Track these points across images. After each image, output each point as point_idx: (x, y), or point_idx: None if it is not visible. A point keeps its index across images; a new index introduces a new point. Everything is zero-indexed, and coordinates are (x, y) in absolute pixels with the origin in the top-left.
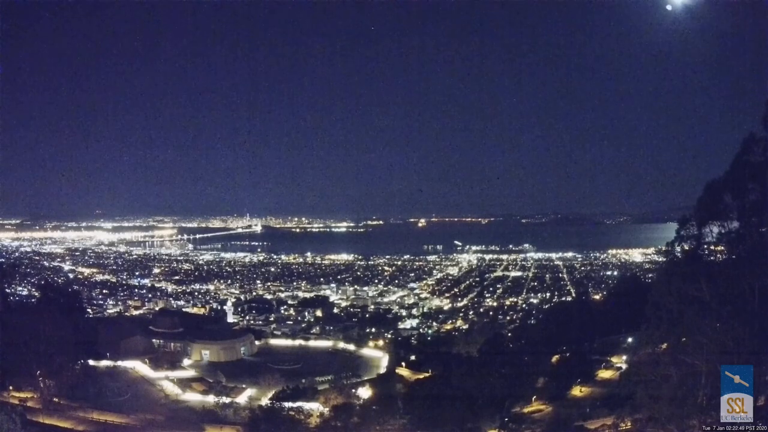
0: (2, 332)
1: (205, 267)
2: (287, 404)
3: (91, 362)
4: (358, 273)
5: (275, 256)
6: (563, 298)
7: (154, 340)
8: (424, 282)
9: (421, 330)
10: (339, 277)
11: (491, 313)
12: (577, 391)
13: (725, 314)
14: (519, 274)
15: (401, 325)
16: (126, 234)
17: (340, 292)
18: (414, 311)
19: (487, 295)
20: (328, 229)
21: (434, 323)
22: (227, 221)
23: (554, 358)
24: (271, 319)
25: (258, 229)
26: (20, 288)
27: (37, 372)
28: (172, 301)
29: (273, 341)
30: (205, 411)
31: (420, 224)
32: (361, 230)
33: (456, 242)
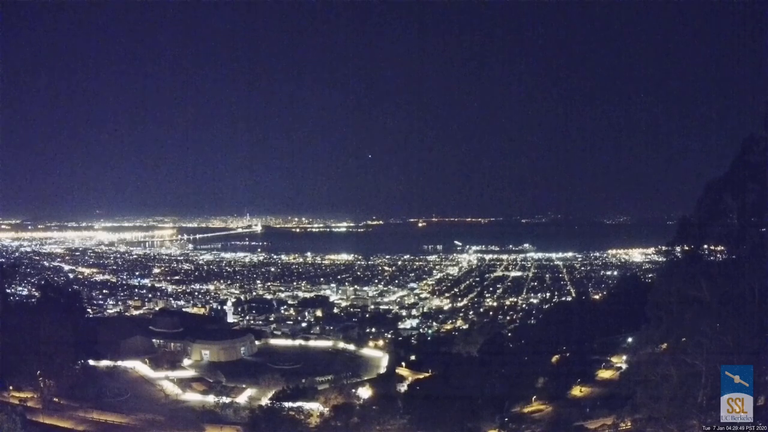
0: (2, 332)
1: (205, 267)
2: (287, 404)
3: (91, 362)
4: (358, 273)
5: (275, 256)
6: (563, 298)
7: (154, 340)
8: (424, 282)
9: (421, 330)
10: (339, 277)
11: (491, 313)
12: (577, 391)
13: (725, 314)
14: (519, 274)
15: (401, 325)
16: (126, 234)
17: (340, 292)
18: (414, 311)
19: (487, 295)
20: (328, 229)
21: (434, 323)
22: (227, 221)
23: (554, 358)
24: (271, 319)
25: (258, 229)
26: (20, 288)
27: (37, 372)
28: (172, 301)
29: (273, 341)
30: (205, 411)
31: (420, 224)
32: (361, 230)
33: (456, 242)
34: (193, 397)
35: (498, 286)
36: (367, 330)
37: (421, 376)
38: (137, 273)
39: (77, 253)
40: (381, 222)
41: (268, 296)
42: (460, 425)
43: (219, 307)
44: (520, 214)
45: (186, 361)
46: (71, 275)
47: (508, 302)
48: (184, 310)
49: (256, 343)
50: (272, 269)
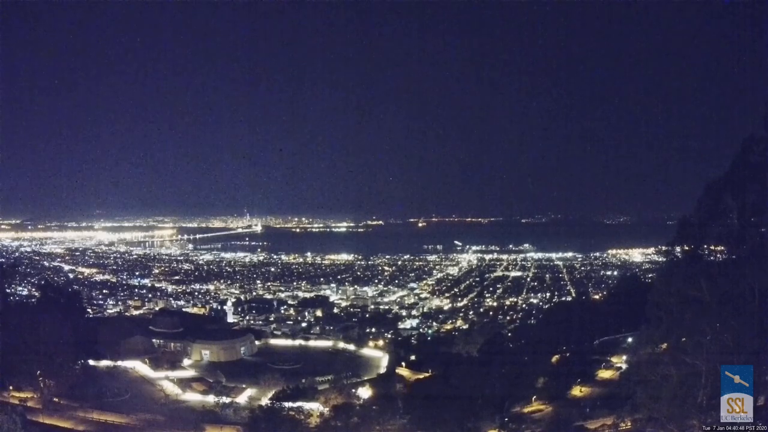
0: (2, 332)
1: (205, 267)
2: (287, 404)
3: (91, 362)
4: (358, 273)
5: (275, 256)
6: (563, 298)
7: (154, 340)
8: (424, 282)
9: (421, 330)
10: (339, 277)
11: (491, 313)
12: (577, 391)
13: (725, 314)
14: (519, 274)
15: (401, 325)
16: (126, 234)
17: (340, 292)
18: (414, 311)
19: (487, 295)
20: (328, 229)
21: (434, 323)
22: (227, 221)
23: (554, 358)
24: (271, 319)
25: (258, 229)
26: (20, 288)
27: (37, 372)
28: (172, 301)
29: (273, 341)
30: (205, 411)
31: (420, 224)
32: (361, 230)
33: (456, 242)
34: (193, 397)
35: (498, 286)
36: (367, 330)
37: (421, 376)
38: (137, 273)
39: (77, 253)
40: (381, 222)
41: (268, 296)
42: (460, 425)
43: (219, 307)
44: (520, 214)
45: (186, 361)
46: (71, 275)
47: (508, 302)
48: (184, 310)
49: (256, 343)
50: (272, 269)
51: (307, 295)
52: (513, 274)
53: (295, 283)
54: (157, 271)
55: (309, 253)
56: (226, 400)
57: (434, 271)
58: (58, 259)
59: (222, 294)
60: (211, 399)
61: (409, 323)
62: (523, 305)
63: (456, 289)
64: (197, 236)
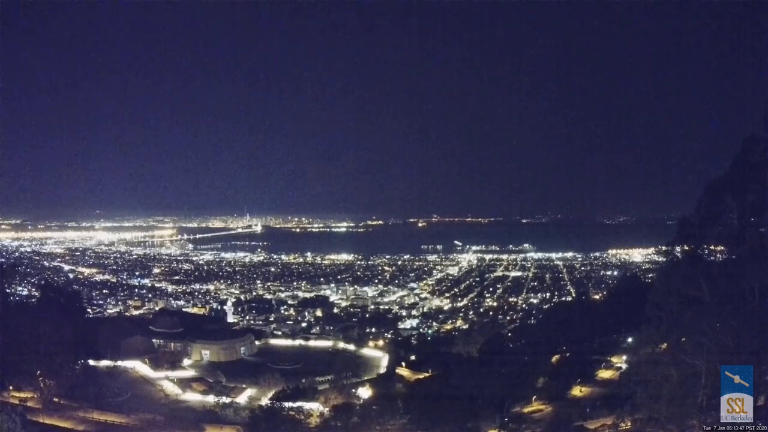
0: (2, 332)
1: (205, 267)
2: (287, 404)
3: (91, 362)
4: (358, 273)
5: (275, 256)
6: (563, 298)
7: (154, 340)
8: (424, 282)
9: (421, 330)
10: (339, 277)
11: (491, 313)
12: (577, 391)
13: (725, 314)
14: (519, 274)
15: (401, 325)
16: (126, 234)
17: (340, 292)
18: (414, 311)
19: (487, 295)
20: (328, 229)
21: (434, 323)
22: (227, 221)
23: (554, 358)
24: (271, 319)
25: (258, 229)
26: (20, 288)
27: (37, 372)
28: (172, 301)
29: (273, 341)
30: (205, 411)
31: (420, 224)
32: (361, 230)
33: (456, 242)
34: (193, 397)
35: (498, 286)
36: (367, 330)
37: (421, 376)
38: (137, 273)
39: (77, 253)
40: (381, 222)
41: (268, 296)
42: (460, 425)
43: (219, 307)
44: (520, 214)
45: (186, 361)
46: (71, 275)
47: (508, 302)
48: (184, 310)
49: (256, 343)
50: (272, 269)
51: (307, 295)
52: (513, 274)
53: (295, 283)
54: (157, 271)
55: (309, 253)
56: (226, 400)
57: (434, 271)
58: (58, 259)
59: (222, 294)
60: (211, 399)
61: (409, 323)
62: (523, 305)
63: (456, 289)
64: (197, 236)
